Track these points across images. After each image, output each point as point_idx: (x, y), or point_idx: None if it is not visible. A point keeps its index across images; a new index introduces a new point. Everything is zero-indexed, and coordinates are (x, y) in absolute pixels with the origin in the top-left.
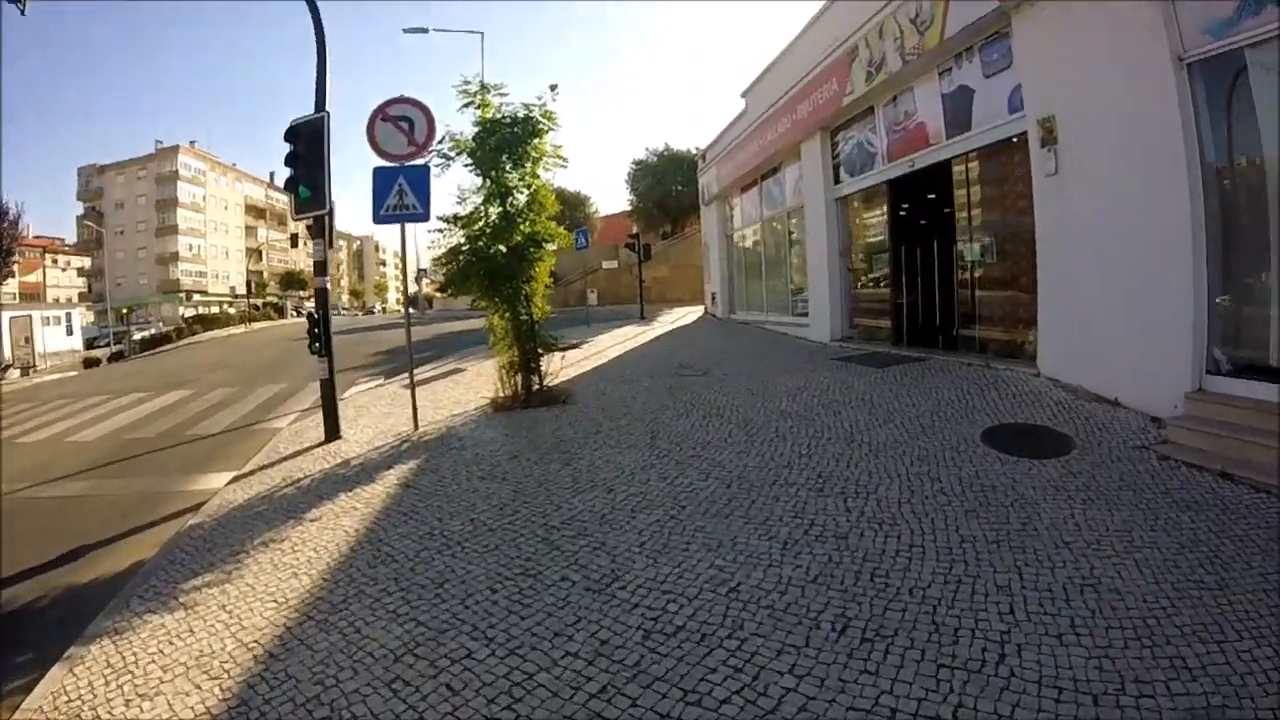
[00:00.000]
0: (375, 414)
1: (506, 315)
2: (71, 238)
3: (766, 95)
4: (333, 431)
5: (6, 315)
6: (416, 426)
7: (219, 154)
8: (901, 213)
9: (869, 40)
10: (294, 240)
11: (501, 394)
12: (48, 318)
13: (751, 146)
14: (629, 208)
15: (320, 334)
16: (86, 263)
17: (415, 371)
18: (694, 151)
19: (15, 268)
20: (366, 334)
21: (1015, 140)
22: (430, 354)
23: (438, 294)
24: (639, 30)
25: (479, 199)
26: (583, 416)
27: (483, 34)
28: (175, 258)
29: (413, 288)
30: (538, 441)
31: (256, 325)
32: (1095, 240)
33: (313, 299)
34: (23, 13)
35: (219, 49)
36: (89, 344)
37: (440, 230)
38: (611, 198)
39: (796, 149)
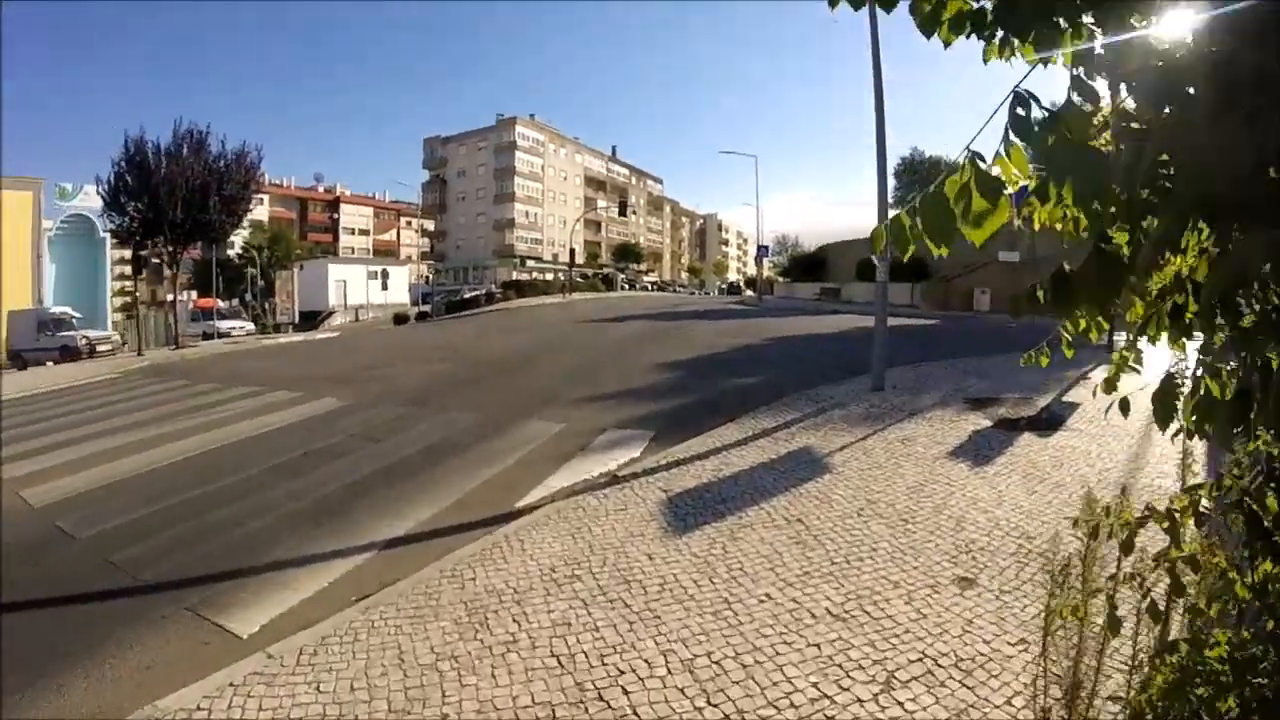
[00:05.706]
0: None
1: None
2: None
3: None
4: None
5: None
6: None
7: (560, 127)
8: None
9: None
10: (622, 209)
11: None
12: (374, 272)
13: None
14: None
15: None
16: (431, 225)
17: (710, 438)
18: None
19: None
20: (673, 324)
21: None
22: (752, 381)
23: (780, 278)
24: None
25: None
26: None
27: None
28: (511, 224)
29: (751, 269)
30: None
31: (577, 295)
32: None
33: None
34: None
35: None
36: (422, 299)
37: None
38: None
39: None
